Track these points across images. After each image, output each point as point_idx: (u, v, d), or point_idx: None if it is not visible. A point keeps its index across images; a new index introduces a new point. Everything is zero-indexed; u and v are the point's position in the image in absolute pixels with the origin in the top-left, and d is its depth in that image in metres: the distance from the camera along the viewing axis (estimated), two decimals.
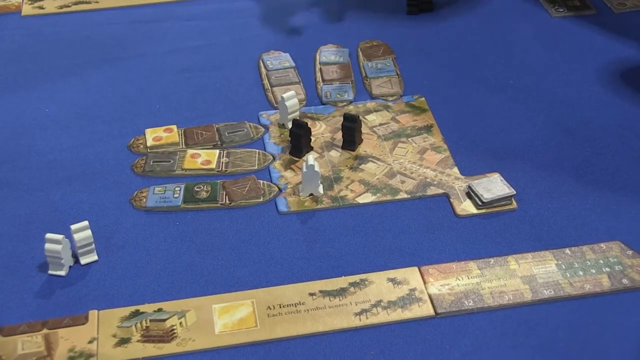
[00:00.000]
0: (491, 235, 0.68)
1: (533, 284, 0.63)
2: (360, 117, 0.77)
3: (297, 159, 0.75)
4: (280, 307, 0.62)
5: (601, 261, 0.65)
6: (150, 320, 0.61)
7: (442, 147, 0.76)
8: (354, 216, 0.70)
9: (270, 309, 0.62)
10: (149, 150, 0.76)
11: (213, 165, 0.75)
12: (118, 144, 0.78)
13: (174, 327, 0.61)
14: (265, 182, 0.73)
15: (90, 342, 0.60)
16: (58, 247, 0.64)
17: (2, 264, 0.66)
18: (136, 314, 0.62)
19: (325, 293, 0.63)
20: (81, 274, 0.65)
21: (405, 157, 0.75)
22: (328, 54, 0.89)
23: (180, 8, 0.96)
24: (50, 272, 0.65)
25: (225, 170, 0.74)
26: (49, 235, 0.64)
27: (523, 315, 0.61)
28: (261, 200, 0.71)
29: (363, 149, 0.76)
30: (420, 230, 0.68)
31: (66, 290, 0.64)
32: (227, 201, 0.71)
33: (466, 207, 0.70)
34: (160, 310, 0.62)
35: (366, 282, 0.64)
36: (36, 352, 0.59)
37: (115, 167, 0.75)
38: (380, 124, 0.79)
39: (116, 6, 0.94)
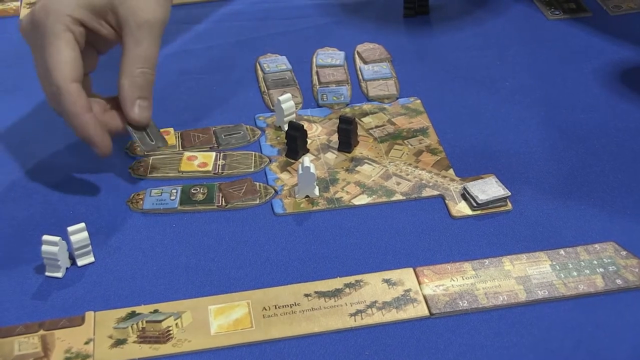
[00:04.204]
0: (486, 237, 0.68)
1: (527, 285, 0.63)
2: (356, 120, 0.77)
3: (293, 161, 0.76)
4: (275, 307, 0.62)
5: (595, 262, 0.65)
6: (147, 322, 0.62)
7: (438, 149, 0.76)
8: (350, 218, 0.70)
9: (265, 309, 0.62)
10: (145, 153, 0.77)
11: (210, 168, 0.75)
12: (115, 146, 0.78)
13: (170, 328, 0.61)
14: (261, 184, 0.73)
15: (87, 343, 0.60)
16: (55, 248, 0.64)
17: None
18: (132, 315, 0.62)
19: (321, 294, 0.63)
20: (78, 275, 0.66)
21: (401, 159, 0.75)
22: (325, 56, 0.89)
23: (179, 11, 0.97)
24: (47, 273, 0.65)
25: (222, 173, 0.75)
26: (45, 237, 0.65)
27: (517, 316, 0.61)
28: (257, 202, 0.72)
29: (359, 151, 0.76)
30: (415, 232, 0.68)
31: (63, 292, 0.64)
32: (223, 203, 0.71)
33: (461, 209, 0.70)
34: (156, 311, 0.62)
35: (361, 283, 0.64)
36: (33, 353, 0.60)
37: (113, 170, 0.75)
38: (376, 126, 0.79)
39: None
